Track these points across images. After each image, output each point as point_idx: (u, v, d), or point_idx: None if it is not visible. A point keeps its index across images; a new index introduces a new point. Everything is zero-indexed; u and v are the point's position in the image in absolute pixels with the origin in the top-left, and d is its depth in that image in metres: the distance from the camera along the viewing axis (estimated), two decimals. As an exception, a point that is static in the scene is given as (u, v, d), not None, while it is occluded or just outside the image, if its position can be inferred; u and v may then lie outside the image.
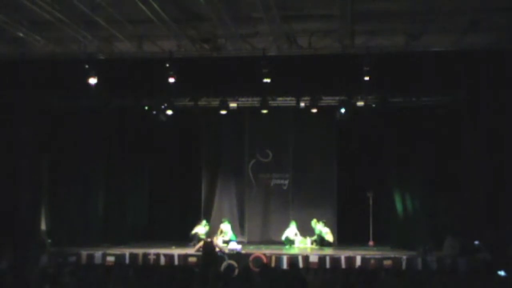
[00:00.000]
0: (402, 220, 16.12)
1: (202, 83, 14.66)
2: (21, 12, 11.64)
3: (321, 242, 16.03)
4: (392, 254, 14.26)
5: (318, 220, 16.36)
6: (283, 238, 16.35)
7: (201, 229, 16.13)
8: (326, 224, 16.30)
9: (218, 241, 14.92)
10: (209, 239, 14.10)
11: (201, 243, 14.29)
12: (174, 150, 18.01)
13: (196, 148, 18.10)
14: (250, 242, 16.80)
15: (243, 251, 14.57)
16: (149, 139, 17.64)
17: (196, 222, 16.39)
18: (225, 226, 16.14)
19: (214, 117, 16.74)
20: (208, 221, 16.67)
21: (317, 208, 16.79)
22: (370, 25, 12.31)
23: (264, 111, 15.59)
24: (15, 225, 14.52)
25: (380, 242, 16.06)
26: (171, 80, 13.43)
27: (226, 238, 15.72)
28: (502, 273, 10.13)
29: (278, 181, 17.66)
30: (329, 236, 16.14)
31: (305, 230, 16.39)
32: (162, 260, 14.10)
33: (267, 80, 13.35)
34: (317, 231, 16.23)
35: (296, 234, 16.32)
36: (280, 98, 15.91)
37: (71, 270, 9.71)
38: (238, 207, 17.48)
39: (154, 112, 16.07)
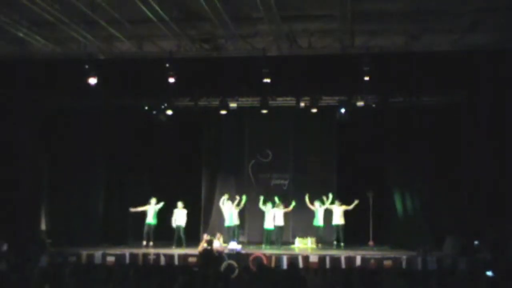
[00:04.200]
0: (402, 220, 16.13)
1: (202, 83, 14.67)
2: (21, 12, 11.65)
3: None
4: (392, 254, 14.25)
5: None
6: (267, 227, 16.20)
7: (178, 216, 16.12)
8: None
9: (216, 244, 14.82)
10: (208, 247, 14.01)
11: (200, 248, 14.17)
12: (174, 150, 17.99)
13: (196, 148, 18.09)
14: (250, 242, 16.80)
15: (243, 251, 14.56)
16: (149, 139, 17.63)
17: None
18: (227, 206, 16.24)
19: (214, 117, 16.74)
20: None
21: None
22: (370, 25, 12.32)
23: (264, 111, 15.59)
24: (15, 225, 14.52)
25: (380, 242, 16.05)
26: (171, 80, 13.44)
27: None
28: (489, 273, 10.10)
29: (278, 181, 17.68)
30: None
31: (305, 230, 16.36)
32: (162, 260, 14.09)
33: (267, 80, 13.35)
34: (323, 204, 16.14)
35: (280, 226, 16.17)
36: (280, 98, 15.90)
37: (71, 270, 9.69)
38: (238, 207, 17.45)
39: (154, 112, 16.07)
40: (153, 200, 16.15)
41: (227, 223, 16.17)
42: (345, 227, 16.09)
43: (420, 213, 15.83)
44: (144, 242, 15.69)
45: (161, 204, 16.11)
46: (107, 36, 12.95)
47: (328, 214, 16.31)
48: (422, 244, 14.17)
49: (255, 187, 17.61)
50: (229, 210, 16.23)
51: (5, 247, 11.68)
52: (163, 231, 16.63)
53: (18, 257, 12.68)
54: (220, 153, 18.01)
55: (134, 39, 13.12)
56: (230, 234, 15.95)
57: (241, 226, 16.78)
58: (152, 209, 16.07)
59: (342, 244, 15.81)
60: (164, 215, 16.36)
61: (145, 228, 15.95)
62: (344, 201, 16.33)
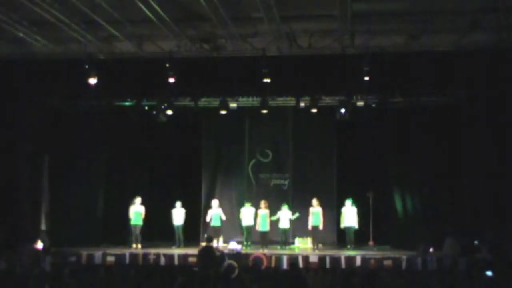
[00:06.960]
0: (402, 220, 16.12)
1: (202, 83, 14.66)
2: (21, 12, 11.67)
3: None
4: (392, 254, 14.28)
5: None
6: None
7: (177, 215, 16.07)
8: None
9: (216, 243, 14.79)
10: (208, 245, 13.96)
11: (200, 248, 14.11)
12: (174, 150, 17.99)
13: (196, 148, 18.09)
14: (250, 242, 16.78)
15: (243, 251, 14.56)
16: (149, 139, 17.63)
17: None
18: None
19: (214, 117, 16.74)
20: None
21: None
22: (370, 25, 12.33)
23: (264, 111, 15.60)
24: (15, 225, 14.52)
25: (380, 242, 16.05)
26: (171, 80, 13.45)
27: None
28: (489, 273, 10.13)
29: (278, 181, 17.66)
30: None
31: (305, 230, 16.35)
32: (162, 260, 14.10)
33: (267, 80, 13.35)
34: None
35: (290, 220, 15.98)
36: (280, 98, 15.92)
37: (71, 270, 9.70)
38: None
39: (154, 112, 16.07)
40: (137, 200, 15.84)
41: (213, 223, 15.93)
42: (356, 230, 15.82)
43: (420, 213, 15.82)
44: (134, 245, 15.43)
45: (142, 208, 15.81)
46: (107, 36, 12.97)
47: (328, 215, 16.30)
48: (422, 244, 14.17)
49: (255, 187, 17.62)
50: (216, 210, 16.00)
51: (3, 265, 11.53)
52: (163, 231, 16.66)
53: (19, 258, 12.69)
54: (220, 153, 18.01)
55: (134, 39, 13.12)
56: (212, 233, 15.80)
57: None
58: (133, 210, 15.72)
59: (352, 246, 15.54)
60: (164, 215, 16.36)
61: (132, 230, 15.57)
62: (344, 201, 16.30)
